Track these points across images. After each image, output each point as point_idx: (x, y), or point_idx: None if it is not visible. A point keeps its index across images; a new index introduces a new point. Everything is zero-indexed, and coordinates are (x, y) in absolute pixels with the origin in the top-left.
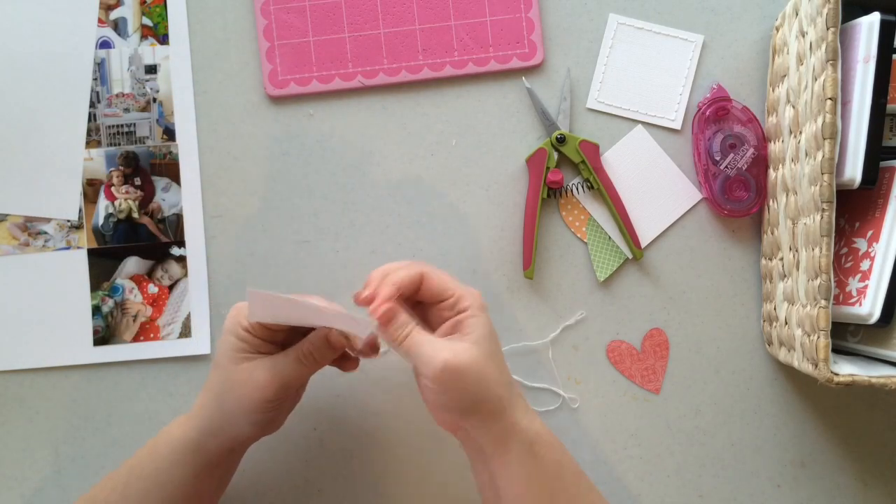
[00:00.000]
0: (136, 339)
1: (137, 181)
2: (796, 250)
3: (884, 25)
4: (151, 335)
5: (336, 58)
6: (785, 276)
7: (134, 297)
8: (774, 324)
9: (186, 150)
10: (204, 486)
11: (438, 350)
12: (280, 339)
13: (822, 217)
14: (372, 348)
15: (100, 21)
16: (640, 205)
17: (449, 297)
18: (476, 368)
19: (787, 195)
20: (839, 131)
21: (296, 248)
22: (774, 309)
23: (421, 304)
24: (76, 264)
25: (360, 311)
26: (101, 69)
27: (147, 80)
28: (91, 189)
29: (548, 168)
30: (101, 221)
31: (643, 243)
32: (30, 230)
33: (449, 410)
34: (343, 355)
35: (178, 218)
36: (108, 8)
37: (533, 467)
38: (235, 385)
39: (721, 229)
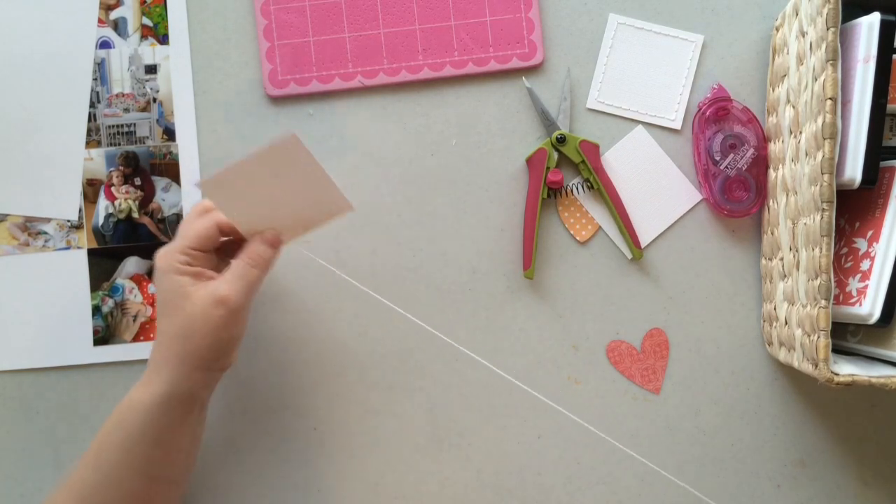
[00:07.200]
0: (136, 339)
1: (137, 181)
2: (796, 250)
3: (884, 25)
4: (151, 335)
5: (336, 58)
6: (785, 276)
7: (134, 297)
8: (774, 324)
9: (186, 150)
10: (175, 438)
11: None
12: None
13: (822, 217)
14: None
15: (100, 21)
16: (640, 205)
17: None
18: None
19: (787, 195)
20: (839, 131)
21: (296, 247)
22: (774, 309)
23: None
24: (76, 264)
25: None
26: (101, 69)
27: (147, 80)
28: (91, 189)
29: (548, 168)
30: (101, 221)
31: (643, 243)
32: (30, 230)
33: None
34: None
35: (178, 218)
36: (108, 8)
37: None
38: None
39: (721, 229)
